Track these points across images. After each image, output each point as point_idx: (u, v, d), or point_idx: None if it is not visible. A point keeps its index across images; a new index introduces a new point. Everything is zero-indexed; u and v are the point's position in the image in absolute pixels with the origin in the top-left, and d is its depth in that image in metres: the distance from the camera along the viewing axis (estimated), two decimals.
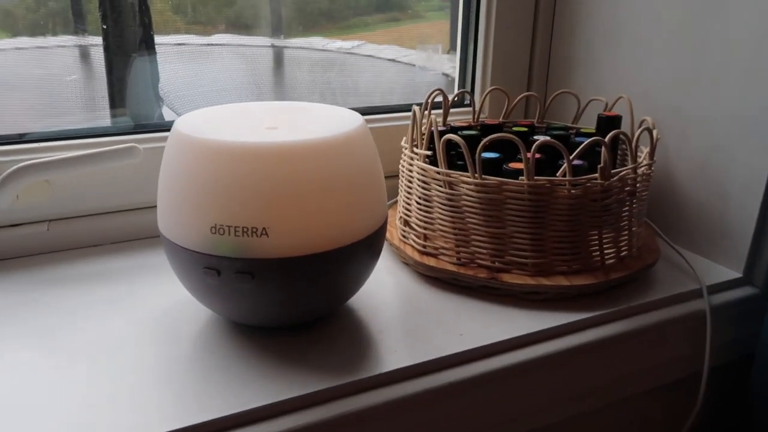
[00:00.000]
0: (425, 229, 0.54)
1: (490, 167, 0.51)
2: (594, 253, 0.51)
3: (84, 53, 0.68)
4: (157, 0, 0.70)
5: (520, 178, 0.49)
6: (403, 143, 0.60)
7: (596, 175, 0.49)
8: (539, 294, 0.50)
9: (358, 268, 0.43)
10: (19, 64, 0.64)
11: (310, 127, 0.42)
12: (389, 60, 0.87)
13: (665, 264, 0.57)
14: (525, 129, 0.64)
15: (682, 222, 0.61)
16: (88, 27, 0.66)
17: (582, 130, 0.64)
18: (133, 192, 0.59)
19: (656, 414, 0.59)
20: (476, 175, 0.49)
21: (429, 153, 0.53)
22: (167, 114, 0.75)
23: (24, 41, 0.63)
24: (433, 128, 0.53)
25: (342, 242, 0.40)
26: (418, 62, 0.85)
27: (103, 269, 0.55)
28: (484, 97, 0.69)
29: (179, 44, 0.74)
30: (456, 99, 0.74)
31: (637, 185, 0.52)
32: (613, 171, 0.50)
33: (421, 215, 0.54)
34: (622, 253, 0.53)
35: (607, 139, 0.49)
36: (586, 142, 0.48)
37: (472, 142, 0.59)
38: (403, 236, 0.57)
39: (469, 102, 0.76)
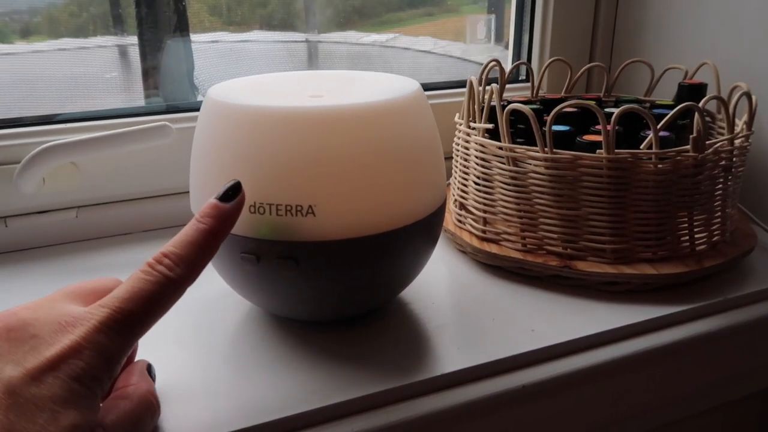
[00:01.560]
0: (485, 212, 0.48)
1: (561, 141, 0.45)
2: (683, 238, 0.45)
3: (122, 52, 0.66)
4: (194, 2, 0.68)
5: (598, 151, 0.42)
6: (456, 119, 0.54)
7: (688, 147, 0.42)
8: (620, 284, 0.43)
9: (415, 254, 0.38)
10: (60, 64, 0.62)
11: (360, 93, 0.37)
12: (425, 51, 0.84)
13: (763, 252, 0.49)
14: (592, 103, 0.58)
15: None
16: (126, 24, 0.64)
17: (658, 103, 0.57)
18: (165, 176, 0.55)
19: (750, 425, 0.52)
20: (546, 149, 0.43)
21: (490, 126, 0.47)
22: None
23: (66, 42, 0.61)
24: (494, 101, 0.47)
25: (399, 223, 0.35)
26: (465, 53, 0.80)
27: (134, 259, 0.51)
28: (544, 69, 0.62)
29: (214, 41, 0.71)
30: (512, 72, 0.68)
31: (734, 159, 0.45)
32: (707, 143, 0.43)
33: (479, 197, 0.49)
34: (715, 238, 0.46)
35: (701, 103, 0.42)
36: (676, 108, 0.42)
37: (535, 116, 0.53)
38: (459, 221, 0.51)
39: (525, 77, 0.69)
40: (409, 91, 0.36)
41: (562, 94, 0.63)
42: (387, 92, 0.36)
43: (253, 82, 0.40)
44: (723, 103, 0.43)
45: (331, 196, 0.33)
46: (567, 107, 0.43)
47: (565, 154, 0.43)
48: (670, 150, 0.42)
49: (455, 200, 0.53)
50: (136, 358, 0.34)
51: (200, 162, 0.36)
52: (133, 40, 0.64)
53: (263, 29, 0.71)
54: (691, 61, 0.57)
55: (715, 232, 0.46)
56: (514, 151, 0.45)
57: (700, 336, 0.42)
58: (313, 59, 0.77)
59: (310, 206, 0.32)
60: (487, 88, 0.55)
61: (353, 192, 0.33)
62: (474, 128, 0.49)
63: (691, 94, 0.54)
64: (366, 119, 0.33)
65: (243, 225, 0.33)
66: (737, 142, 0.45)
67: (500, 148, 0.46)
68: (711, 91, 0.54)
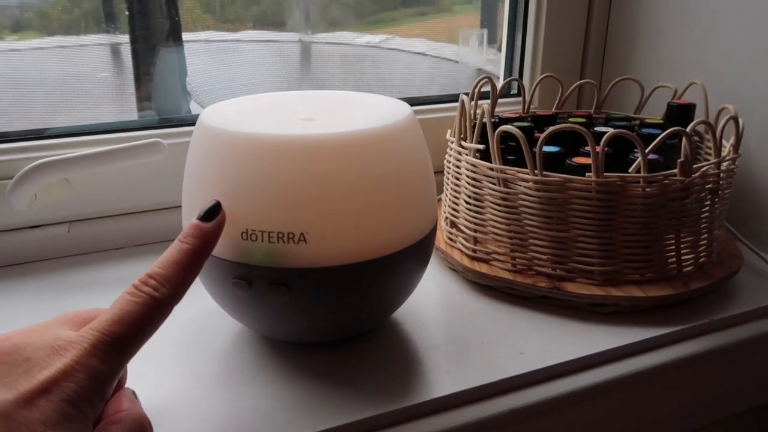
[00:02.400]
0: (475, 231, 0.49)
1: (551, 162, 0.46)
2: (670, 260, 0.45)
3: (115, 51, 0.66)
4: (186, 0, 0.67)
5: (587, 174, 0.43)
6: (448, 136, 0.54)
7: (675, 171, 0.43)
8: (608, 306, 0.44)
9: (405, 278, 0.38)
10: (52, 63, 0.62)
11: (352, 118, 0.37)
12: (418, 53, 0.84)
13: (749, 272, 0.50)
14: (582, 120, 0.58)
15: (766, 225, 0.54)
16: (118, 24, 0.63)
17: (647, 121, 0.57)
18: (158, 190, 0.55)
19: None
20: (536, 171, 0.44)
21: (481, 147, 0.48)
22: (195, 109, 0.72)
23: (58, 40, 0.61)
24: (485, 119, 0.47)
25: (389, 249, 0.35)
26: (458, 56, 0.80)
27: (126, 274, 0.51)
28: (536, 86, 0.63)
29: (207, 41, 0.71)
30: (503, 88, 0.68)
31: (721, 182, 0.45)
32: (694, 166, 0.43)
33: (470, 216, 0.49)
34: (702, 260, 0.47)
35: (689, 128, 0.42)
36: (664, 134, 0.42)
37: (525, 135, 0.54)
38: (450, 239, 0.52)
39: (516, 91, 0.70)
40: (400, 117, 0.37)
41: (554, 110, 0.64)
42: (378, 118, 0.36)
43: (245, 104, 0.40)
44: (710, 127, 0.44)
45: (323, 224, 0.33)
46: (559, 130, 0.43)
47: (555, 176, 0.43)
48: (658, 174, 0.43)
49: (446, 218, 0.53)
50: (129, 376, 0.34)
51: (193, 186, 0.36)
52: (125, 38, 0.64)
53: (256, 29, 0.71)
54: (681, 80, 0.58)
55: (702, 254, 0.47)
56: (505, 173, 0.45)
57: (686, 358, 0.42)
58: (306, 60, 0.78)
59: (301, 233, 0.33)
60: (479, 105, 0.55)
61: (344, 219, 0.33)
62: (465, 148, 0.49)
63: (680, 114, 0.54)
64: (357, 147, 0.34)
65: (235, 251, 0.33)
66: (724, 165, 0.45)
67: (491, 169, 0.46)
68: (699, 111, 0.55)
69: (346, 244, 0.33)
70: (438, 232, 0.54)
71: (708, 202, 0.45)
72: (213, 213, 0.31)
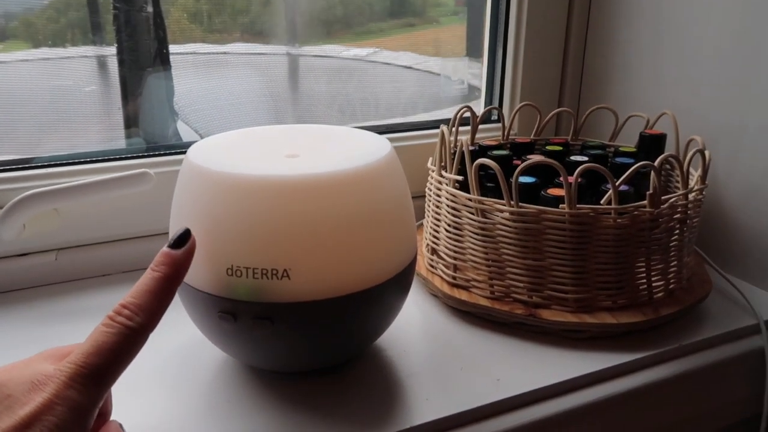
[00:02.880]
0: (455, 259, 0.50)
1: (526, 193, 0.48)
2: (641, 287, 0.47)
3: (102, 63, 0.67)
4: (173, 9, 0.68)
5: (561, 205, 0.45)
6: (429, 165, 0.56)
7: (644, 202, 0.45)
8: (582, 332, 0.45)
9: (386, 309, 0.40)
10: (38, 76, 0.62)
11: (334, 155, 0.39)
12: (405, 67, 0.85)
13: (718, 296, 0.52)
14: (559, 148, 0.60)
15: (734, 250, 0.56)
16: (105, 35, 0.64)
17: (621, 149, 0.59)
18: (144, 218, 0.56)
19: None
20: (512, 202, 0.45)
21: (459, 179, 0.49)
22: (182, 129, 0.73)
23: (44, 52, 0.61)
24: (464, 150, 0.49)
25: (369, 282, 0.36)
26: (442, 72, 0.82)
27: (112, 301, 0.51)
28: (514, 114, 0.65)
29: (194, 53, 0.72)
30: (483, 116, 0.70)
31: (689, 212, 0.47)
32: (662, 197, 0.45)
33: (450, 244, 0.51)
34: (671, 286, 0.49)
35: (656, 162, 0.44)
36: (633, 168, 0.44)
37: (503, 163, 0.56)
38: (431, 265, 0.53)
39: (497, 118, 0.72)
40: (380, 156, 0.38)
41: (532, 137, 0.66)
42: (359, 156, 0.37)
43: (232, 139, 0.42)
44: (677, 161, 0.46)
45: (305, 260, 0.34)
46: (533, 164, 0.45)
47: (530, 208, 0.45)
48: (628, 205, 0.44)
49: (428, 245, 0.55)
50: (115, 404, 0.35)
51: (180, 220, 0.37)
52: (112, 50, 0.64)
53: (245, 40, 0.72)
54: (654, 109, 0.60)
55: (672, 280, 0.49)
56: (483, 203, 0.47)
57: (657, 382, 0.44)
58: (293, 74, 0.79)
59: (284, 269, 0.34)
60: (460, 133, 0.57)
61: (326, 255, 0.35)
62: (445, 177, 0.51)
63: (652, 144, 0.56)
64: (337, 186, 0.35)
65: (221, 286, 0.35)
66: (691, 196, 0.47)
67: (469, 200, 0.48)
68: (671, 140, 0.57)
69: (328, 279, 0.35)
70: (419, 258, 0.55)
71: (677, 231, 0.47)
72: (183, 240, 0.32)
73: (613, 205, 0.44)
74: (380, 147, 0.40)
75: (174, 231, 0.37)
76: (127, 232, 0.56)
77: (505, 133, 0.65)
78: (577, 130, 0.65)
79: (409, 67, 0.86)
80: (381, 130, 0.68)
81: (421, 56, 0.83)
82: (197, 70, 0.73)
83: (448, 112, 0.80)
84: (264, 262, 0.34)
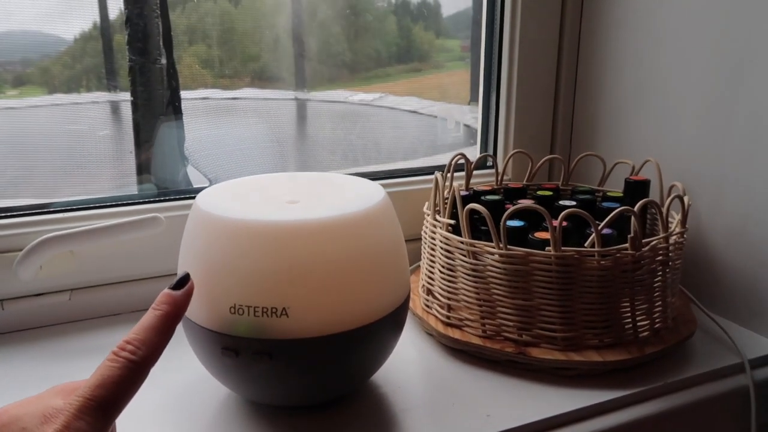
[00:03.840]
0: (449, 299, 0.53)
1: (516, 236, 0.50)
2: (627, 326, 0.49)
3: (115, 108, 0.70)
4: (186, 56, 0.72)
5: (547, 248, 0.47)
6: (425, 209, 0.59)
7: (626, 245, 0.47)
8: (570, 370, 0.47)
9: (381, 346, 0.42)
10: (54, 121, 0.66)
11: (332, 201, 0.42)
12: (410, 111, 0.88)
13: (703, 335, 0.54)
14: (550, 193, 0.63)
15: (720, 289, 0.58)
16: (120, 84, 0.68)
17: (609, 194, 0.62)
18: (155, 259, 0.59)
19: None
20: (501, 245, 0.48)
21: (452, 222, 0.52)
22: (192, 173, 0.76)
23: (58, 98, 0.65)
24: (456, 196, 0.52)
25: (364, 321, 0.39)
26: (446, 116, 0.85)
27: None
28: (507, 161, 0.68)
29: (204, 98, 0.76)
30: (477, 163, 0.73)
31: (670, 254, 0.50)
32: (644, 240, 0.48)
33: (444, 285, 0.53)
34: (657, 325, 0.51)
35: (636, 208, 0.47)
36: (613, 213, 0.47)
37: (495, 207, 0.59)
38: (426, 305, 0.56)
39: (491, 164, 0.75)
40: (374, 202, 0.41)
41: (524, 182, 0.69)
42: (355, 202, 0.40)
43: (238, 187, 0.45)
44: (657, 206, 0.48)
45: (303, 300, 0.37)
46: (520, 209, 0.48)
47: (518, 250, 0.48)
48: (611, 248, 0.47)
49: (423, 285, 0.57)
50: None
51: (188, 262, 0.40)
52: (125, 96, 0.68)
53: (254, 86, 0.75)
54: (639, 156, 0.63)
55: (657, 320, 0.51)
56: (474, 246, 0.50)
57: (642, 419, 0.45)
58: (302, 120, 0.82)
59: (284, 308, 0.36)
60: (455, 179, 0.60)
61: (323, 295, 0.37)
62: (439, 221, 0.54)
63: (636, 189, 0.59)
64: (334, 230, 0.38)
65: (224, 323, 0.37)
66: (672, 239, 0.50)
67: (461, 242, 0.50)
68: (654, 186, 0.60)
69: (324, 317, 0.37)
70: (416, 298, 0.58)
71: (659, 273, 0.50)
72: (182, 283, 0.35)
73: (596, 248, 0.47)
74: (374, 193, 0.43)
75: (180, 272, 0.40)
76: (138, 273, 0.59)
77: (499, 179, 0.68)
78: (567, 175, 0.68)
79: (414, 112, 0.89)
80: (381, 176, 0.71)
81: (426, 101, 0.86)
82: (207, 117, 0.77)
83: (449, 157, 0.83)
84: (264, 300, 0.36)
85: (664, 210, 0.49)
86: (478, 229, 0.54)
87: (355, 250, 0.39)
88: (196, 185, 0.74)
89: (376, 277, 0.40)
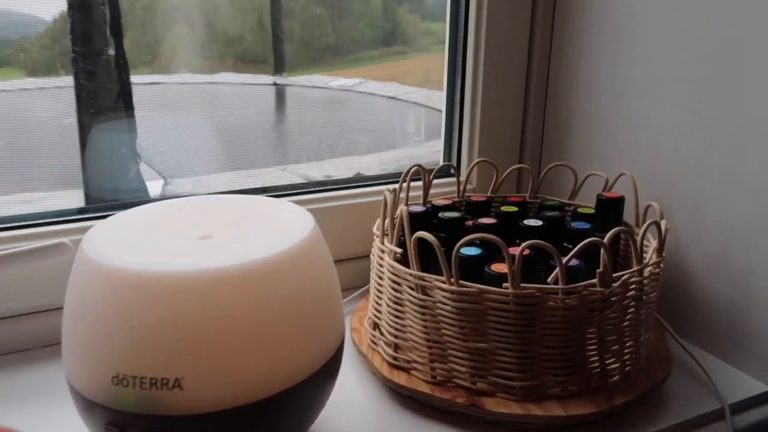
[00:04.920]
0: (396, 336, 0.47)
1: (471, 267, 0.44)
2: (594, 371, 0.43)
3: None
4: (140, 39, 0.65)
5: (504, 284, 0.41)
6: (375, 230, 0.52)
7: (594, 281, 0.41)
8: (529, 424, 0.42)
9: (305, 409, 0.36)
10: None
11: (250, 235, 0.35)
12: (390, 98, 0.84)
13: (680, 374, 0.49)
14: (514, 209, 0.57)
15: (697, 319, 0.53)
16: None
17: (579, 211, 0.56)
18: (42, 292, 0.51)
19: None
20: (453, 280, 0.42)
21: (399, 251, 0.46)
22: (145, 171, 0.70)
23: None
24: (404, 221, 0.45)
25: (282, 385, 0.33)
26: (425, 103, 0.80)
27: (31, 379, 0.47)
28: (470, 171, 0.62)
29: (158, 83, 0.70)
30: (436, 175, 0.67)
31: (645, 287, 0.44)
32: (615, 275, 0.42)
33: (392, 320, 0.47)
34: (628, 368, 0.45)
35: (606, 239, 0.41)
36: (579, 246, 0.41)
37: (453, 227, 0.53)
38: (373, 342, 0.50)
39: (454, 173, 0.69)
40: (300, 237, 0.35)
41: (489, 194, 0.62)
42: (277, 237, 0.34)
43: (137, 219, 0.38)
44: (631, 236, 0.43)
45: (200, 368, 0.30)
46: (472, 240, 0.41)
47: (471, 287, 0.41)
48: (577, 285, 0.41)
49: (369, 318, 0.51)
50: None
51: (69, 315, 0.33)
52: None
53: (231, 71, 0.70)
54: (614, 168, 0.58)
55: (628, 362, 0.45)
56: (423, 280, 0.43)
57: None
58: (281, 103, 0.76)
59: (176, 379, 0.30)
60: (407, 195, 0.54)
61: (227, 361, 0.31)
62: (387, 249, 0.47)
63: (608, 207, 0.53)
64: (243, 281, 0.31)
65: (106, 395, 0.31)
66: (647, 271, 0.44)
67: (409, 275, 0.44)
68: (629, 203, 0.54)
69: (227, 387, 0.31)
70: (361, 329, 0.52)
71: (632, 310, 0.44)
72: None
73: (560, 285, 0.41)
74: (301, 227, 0.36)
75: (65, 328, 0.34)
76: (20, 308, 0.51)
77: (461, 191, 0.62)
78: (535, 187, 0.62)
79: (394, 98, 0.84)
80: (341, 182, 0.65)
81: (407, 87, 0.82)
82: (162, 110, 0.70)
83: (428, 146, 0.78)
84: (152, 370, 0.30)
85: (638, 238, 0.44)
86: (430, 254, 0.47)
87: (270, 303, 0.32)
88: (150, 183, 0.68)
89: (298, 332, 0.34)
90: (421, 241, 0.43)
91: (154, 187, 0.71)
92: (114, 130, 0.66)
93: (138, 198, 0.68)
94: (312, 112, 0.80)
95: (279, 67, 0.73)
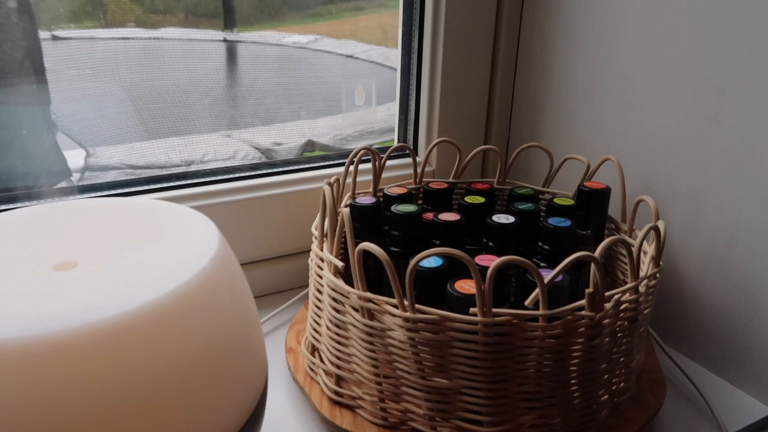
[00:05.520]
0: (339, 367, 0.38)
1: (430, 283, 0.36)
2: (579, 407, 0.35)
3: None
4: None
5: (472, 310, 0.33)
6: (313, 229, 0.43)
7: (582, 303, 0.33)
8: None
9: None
10: None
11: (129, 265, 0.26)
12: (347, 56, 0.75)
13: (674, 397, 0.42)
14: (481, 200, 0.48)
15: (692, 330, 0.46)
16: None
17: (557, 201, 0.48)
18: None
19: None
20: (406, 304, 0.33)
21: (340, 265, 0.37)
22: (63, 142, 0.59)
23: None
24: (346, 226, 0.36)
25: None
26: (384, 62, 0.71)
27: None
28: (428, 153, 0.53)
29: (124, 38, 0.59)
30: (387, 159, 0.57)
31: (640, 306, 0.36)
32: (606, 293, 0.34)
33: (333, 346, 0.38)
34: (617, 399, 0.37)
35: (598, 252, 0.33)
36: (566, 263, 0.32)
37: (409, 225, 0.44)
38: (311, 369, 0.41)
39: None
40: (198, 267, 0.25)
41: (451, 179, 0.54)
42: (168, 269, 0.24)
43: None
44: (627, 247, 0.34)
45: None
46: (428, 255, 0.33)
47: (430, 313, 0.33)
48: (561, 310, 0.33)
49: (307, 339, 0.42)
50: None
51: None
52: None
53: (177, 26, 0.60)
54: (595, 152, 0.49)
55: (618, 393, 0.37)
56: (371, 302, 0.34)
57: None
58: (231, 61, 0.67)
59: None
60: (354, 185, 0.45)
61: None
62: (325, 261, 0.38)
63: (592, 200, 0.45)
64: (116, 341, 0.22)
65: None
66: (643, 287, 0.36)
67: (353, 295, 0.35)
68: (614, 196, 0.46)
69: None
70: (296, 350, 0.43)
71: (625, 334, 0.36)
72: None
73: (540, 310, 0.32)
74: (201, 246, 0.27)
75: None
76: None
77: (418, 177, 0.53)
78: (504, 172, 0.53)
79: (351, 56, 0.76)
80: (289, 162, 0.55)
81: (365, 45, 0.73)
82: (81, 71, 0.59)
83: (384, 109, 0.68)
84: None
85: (635, 250, 0.35)
86: (381, 267, 0.39)
87: (157, 366, 0.23)
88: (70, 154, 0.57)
89: (199, 400, 0.24)
90: (367, 253, 0.34)
91: (74, 158, 0.61)
92: (21, 94, 0.55)
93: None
94: (263, 71, 0.70)
95: (229, 23, 0.64)
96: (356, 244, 0.35)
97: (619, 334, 0.36)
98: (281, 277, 0.55)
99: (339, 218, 0.37)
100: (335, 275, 0.37)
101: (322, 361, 0.40)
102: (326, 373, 0.39)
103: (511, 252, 0.43)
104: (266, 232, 0.53)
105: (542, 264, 0.44)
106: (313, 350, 0.41)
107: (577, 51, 0.52)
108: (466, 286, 0.35)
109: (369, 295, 0.34)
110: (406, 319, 0.33)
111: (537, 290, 0.33)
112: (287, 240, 0.54)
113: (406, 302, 0.33)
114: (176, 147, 0.63)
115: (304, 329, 0.46)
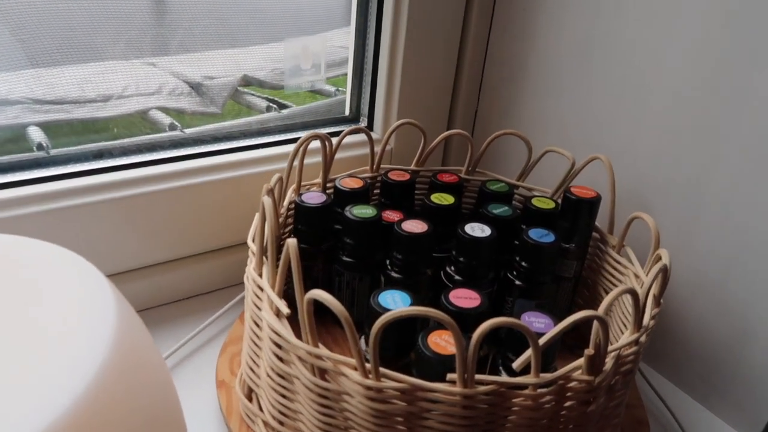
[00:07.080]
0: (282, 423, 0.31)
1: (398, 334, 0.29)
2: None
3: None
4: None
5: (450, 376, 0.26)
6: (250, 242, 0.35)
7: (578, 364, 0.28)
8: None
9: None
10: None
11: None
12: None
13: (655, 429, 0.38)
14: (450, 200, 0.41)
15: (678, 358, 0.42)
16: None
17: (536, 203, 0.41)
18: None
19: None
20: (368, 370, 0.26)
21: (286, 311, 0.29)
22: None
23: None
24: (291, 256, 0.28)
25: None
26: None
27: None
28: (387, 138, 0.45)
29: None
30: (338, 147, 0.49)
31: (639, 356, 0.31)
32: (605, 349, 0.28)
33: (275, 399, 0.31)
34: None
35: (601, 309, 0.27)
36: (564, 326, 0.26)
37: (365, 232, 0.37)
38: (248, 417, 0.34)
39: (368, 126, 0.51)
40: (91, 372, 0.17)
41: (413, 167, 0.46)
42: (47, 377, 0.16)
43: None
44: (634, 299, 0.28)
45: None
46: (401, 316, 0.26)
47: (396, 380, 0.26)
48: (555, 376, 0.27)
49: (243, 378, 0.35)
50: None
51: None
52: None
53: None
54: (578, 145, 0.43)
55: None
56: (322, 360, 0.28)
57: None
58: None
59: None
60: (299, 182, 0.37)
61: None
62: (264, 293, 0.31)
63: (580, 209, 0.39)
64: None
65: None
66: (644, 338, 0.31)
67: (301, 349, 0.28)
68: (605, 203, 0.40)
69: None
70: (234, 384, 0.36)
71: (621, 391, 0.31)
72: None
73: (532, 377, 0.27)
74: (90, 334, 0.19)
75: None
76: None
77: (374, 166, 0.45)
78: (474, 162, 0.46)
79: None
80: (204, 144, 0.46)
81: None
82: None
83: (331, 36, 0.57)
84: None
85: (642, 297, 0.30)
86: (341, 263, 0.32)
87: None
88: None
89: None
90: (314, 256, 0.27)
91: None
92: None
93: None
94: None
95: None
96: (305, 286, 0.27)
97: (616, 392, 0.31)
98: (212, 275, 0.47)
99: (284, 250, 0.29)
100: (278, 317, 0.30)
101: (261, 410, 0.33)
102: (265, 423, 0.32)
103: (485, 268, 0.38)
104: (194, 225, 0.45)
105: (517, 282, 0.38)
106: (250, 395, 0.34)
107: (566, 21, 0.44)
108: (441, 342, 0.29)
109: (322, 351, 0.28)
110: (368, 388, 0.27)
111: (529, 352, 0.27)
112: (220, 233, 0.46)
113: (368, 366, 0.26)
114: (91, 77, 0.51)
115: (238, 353, 0.39)
